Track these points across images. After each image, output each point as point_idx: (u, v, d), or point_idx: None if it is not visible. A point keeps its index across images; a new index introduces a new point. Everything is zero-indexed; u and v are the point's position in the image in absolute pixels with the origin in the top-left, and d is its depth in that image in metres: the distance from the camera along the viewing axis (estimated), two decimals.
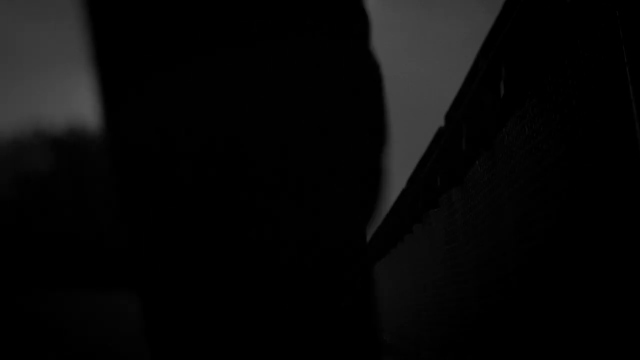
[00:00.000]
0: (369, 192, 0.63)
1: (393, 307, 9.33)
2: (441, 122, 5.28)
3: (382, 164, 0.65)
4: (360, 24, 0.65)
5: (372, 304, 0.66)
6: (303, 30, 0.59)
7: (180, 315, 0.61)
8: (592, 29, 2.26)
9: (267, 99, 0.56)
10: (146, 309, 0.65)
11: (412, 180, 7.09)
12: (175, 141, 0.55)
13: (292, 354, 0.59)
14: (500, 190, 3.57)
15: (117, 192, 0.62)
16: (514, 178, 3.27)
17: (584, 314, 2.41)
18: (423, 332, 6.52)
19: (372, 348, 0.65)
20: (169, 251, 0.59)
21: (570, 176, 2.51)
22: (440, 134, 5.46)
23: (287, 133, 0.56)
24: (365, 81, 0.64)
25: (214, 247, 0.57)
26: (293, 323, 0.59)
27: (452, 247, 4.95)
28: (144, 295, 0.64)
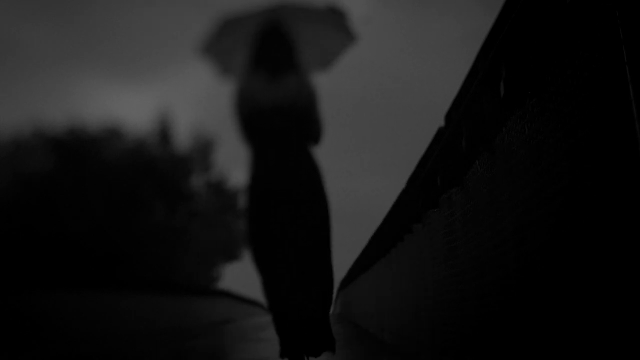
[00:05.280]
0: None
1: (393, 307, 9.33)
2: (441, 122, 5.28)
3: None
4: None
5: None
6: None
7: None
8: (592, 29, 2.26)
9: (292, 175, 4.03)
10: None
11: (412, 180, 7.09)
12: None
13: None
14: (500, 190, 3.57)
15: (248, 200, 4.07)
16: (514, 178, 3.27)
17: (584, 314, 2.41)
18: (423, 332, 6.52)
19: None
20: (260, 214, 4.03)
21: (570, 176, 2.51)
22: (440, 134, 5.45)
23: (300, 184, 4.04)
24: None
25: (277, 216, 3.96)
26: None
27: (452, 247, 4.95)
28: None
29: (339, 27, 4.15)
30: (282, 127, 3.94)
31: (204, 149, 36.86)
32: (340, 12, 4.17)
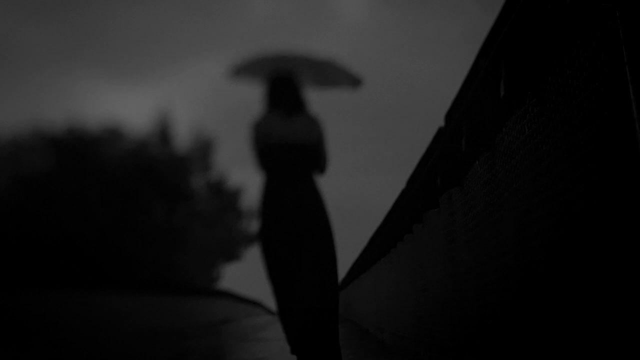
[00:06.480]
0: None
1: (393, 307, 9.33)
2: (441, 122, 5.28)
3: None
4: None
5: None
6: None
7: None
8: (592, 29, 2.26)
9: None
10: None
11: (411, 180, 7.09)
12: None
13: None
14: (500, 190, 3.57)
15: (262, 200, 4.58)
16: (514, 178, 3.27)
17: (584, 313, 2.42)
18: (423, 332, 6.52)
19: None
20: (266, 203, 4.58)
21: (570, 176, 2.51)
22: (440, 134, 5.45)
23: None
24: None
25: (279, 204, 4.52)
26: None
27: (452, 247, 4.95)
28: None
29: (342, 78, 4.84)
30: (293, 160, 4.64)
31: (204, 149, 36.87)
32: (357, 81, 4.81)
